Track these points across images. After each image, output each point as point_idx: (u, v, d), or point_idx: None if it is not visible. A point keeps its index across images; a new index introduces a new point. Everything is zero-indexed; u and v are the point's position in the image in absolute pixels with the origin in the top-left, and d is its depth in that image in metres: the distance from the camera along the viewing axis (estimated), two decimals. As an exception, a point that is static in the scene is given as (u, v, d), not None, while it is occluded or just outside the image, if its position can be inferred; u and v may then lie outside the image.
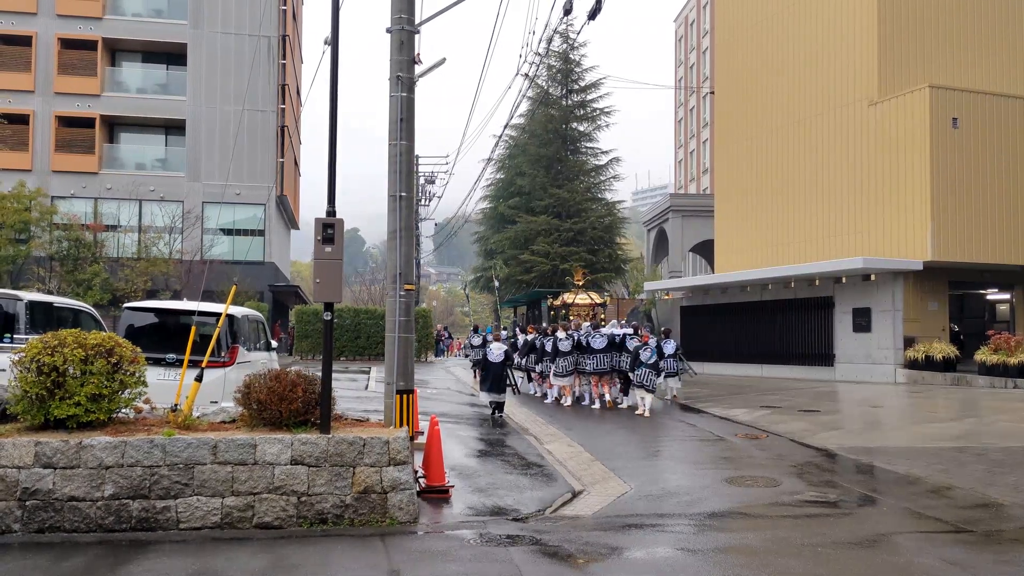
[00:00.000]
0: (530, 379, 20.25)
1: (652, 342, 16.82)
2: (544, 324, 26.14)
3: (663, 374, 17.76)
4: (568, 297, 27.72)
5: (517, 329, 25.80)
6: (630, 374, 16.85)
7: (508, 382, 17.52)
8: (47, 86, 34.89)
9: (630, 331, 18.01)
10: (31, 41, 34.73)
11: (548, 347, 18.11)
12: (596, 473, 10.25)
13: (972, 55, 23.59)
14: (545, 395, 18.81)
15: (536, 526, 7.70)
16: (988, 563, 6.46)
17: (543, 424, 14.73)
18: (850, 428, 14.00)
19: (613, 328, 18.74)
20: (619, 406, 17.29)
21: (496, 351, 16.17)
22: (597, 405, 17.42)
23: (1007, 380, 18.88)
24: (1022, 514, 7.99)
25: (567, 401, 17.81)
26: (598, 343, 17.16)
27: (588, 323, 20.91)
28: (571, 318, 24.33)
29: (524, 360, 19.83)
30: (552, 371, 17.80)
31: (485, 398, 16.71)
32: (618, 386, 17.71)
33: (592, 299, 26.64)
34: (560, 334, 17.95)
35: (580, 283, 27.06)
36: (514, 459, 11.18)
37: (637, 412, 16.13)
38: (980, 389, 18.99)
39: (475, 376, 23.18)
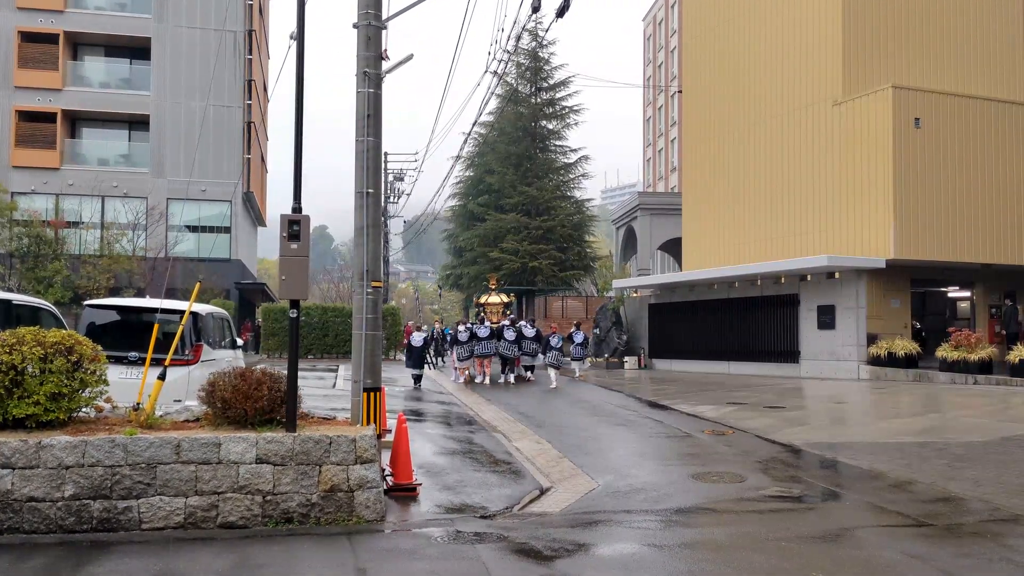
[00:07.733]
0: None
1: (558, 333, 22.95)
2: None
3: (571, 359, 25.09)
4: (483, 298, 30.97)
5: (457, 325, 30.32)
6: (541, 355, 23.10)
7: (427, 360, 23.18)
8: (7, 80, 34.19)
9: (507, 323, 24.09)
10: (-10, 34, 34.07)
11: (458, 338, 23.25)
12: (564, 470, 10.28)
13: (935, 56, 23.97)
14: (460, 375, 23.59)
15: (504, 523, 7.70)
16: (949, 556, 6.56)
17: (512, 422, 14.74)
18: (815, 424, 14.17)
19: (503, 323, 24.63)
20: (499, 381, 22.57)
21: (417, 339, 22.06)
22: (479, 379, 22.63)
23: (967, 376, 19.23)
24: (982, 508, 8.13)
25: (460, 379, 22.91)
26: (483, 332, 22.77)
27: (478, 318, 26.46)
28: (482, 315, 28.95)
29: (451, 349, 25.18)
30: (455, 355, 23.30)
31: (408, 371, 22.17)
32: (497, 366, 23.30)
33: (502, 300, 30.66)
34: (461, 327, 23.05)
35: (493, 287, 31.27)
36: (482, 456, 11.17)
37: (551, 387, 21.15)
38: (941, 385, 19.32)
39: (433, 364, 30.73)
